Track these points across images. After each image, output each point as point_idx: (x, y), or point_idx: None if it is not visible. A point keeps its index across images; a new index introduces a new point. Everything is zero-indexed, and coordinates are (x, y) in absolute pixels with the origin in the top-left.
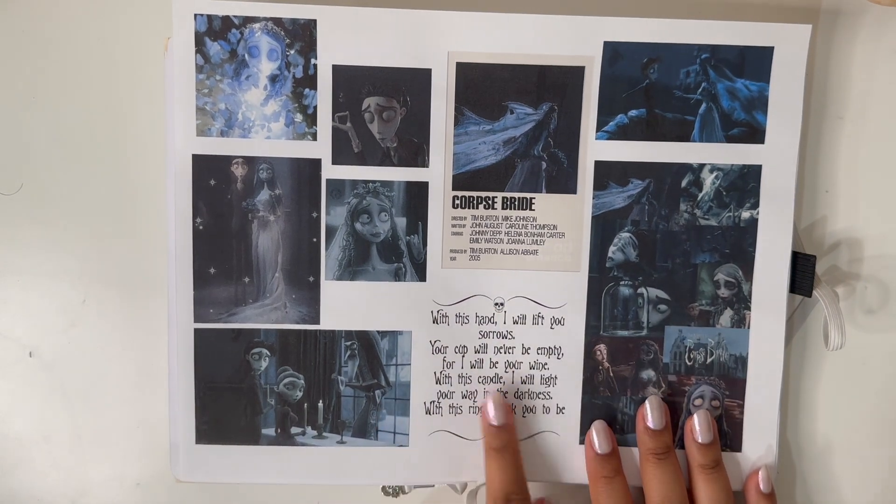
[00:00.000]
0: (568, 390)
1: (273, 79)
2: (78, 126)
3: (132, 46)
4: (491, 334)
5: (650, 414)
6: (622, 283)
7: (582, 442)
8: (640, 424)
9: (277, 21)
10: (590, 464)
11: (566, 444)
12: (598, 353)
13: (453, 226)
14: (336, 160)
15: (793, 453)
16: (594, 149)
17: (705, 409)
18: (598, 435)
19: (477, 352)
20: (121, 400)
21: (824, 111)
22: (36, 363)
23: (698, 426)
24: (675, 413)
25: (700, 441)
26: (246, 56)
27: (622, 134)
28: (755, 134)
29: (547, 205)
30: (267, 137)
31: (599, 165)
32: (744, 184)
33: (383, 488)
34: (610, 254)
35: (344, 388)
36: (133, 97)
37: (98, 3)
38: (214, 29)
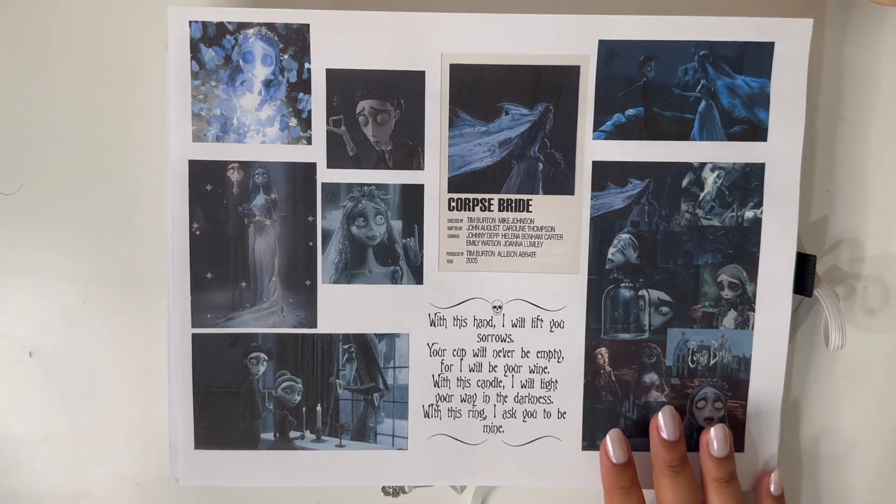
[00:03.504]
0: (569, 394)
1: (267, 84)
2: (78, 126)
3: (132, 47)
4: (489, 337)
5: (664, 426)
6: (622, 285)
7: (584, 447)
8: (654, 437)
9: (271, 26)
10: (606, 474)
11: (568, 449)
12: (599, 356)
13: (449, 228)
14: (331, 164)
15: (793, 454)
16: (591, 149)
17: (722, 424)
18: (613, 444)
19: (475, 355)
20: (121, 400)
21: (824, 111)
22: (36, 363)
23: (715, 439)
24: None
25: (716, 455)
26: (240, 61)
27: (620, 133)
28: (757, 131)
29: (544, 206)
30: (262, 142)
31: (597, 166)
32: (746, 183)
33: (383, 488)
34: (609, 255)
35: (342, 392)
36: (133, 97)
37: (98, 3)
38: (209, 35)
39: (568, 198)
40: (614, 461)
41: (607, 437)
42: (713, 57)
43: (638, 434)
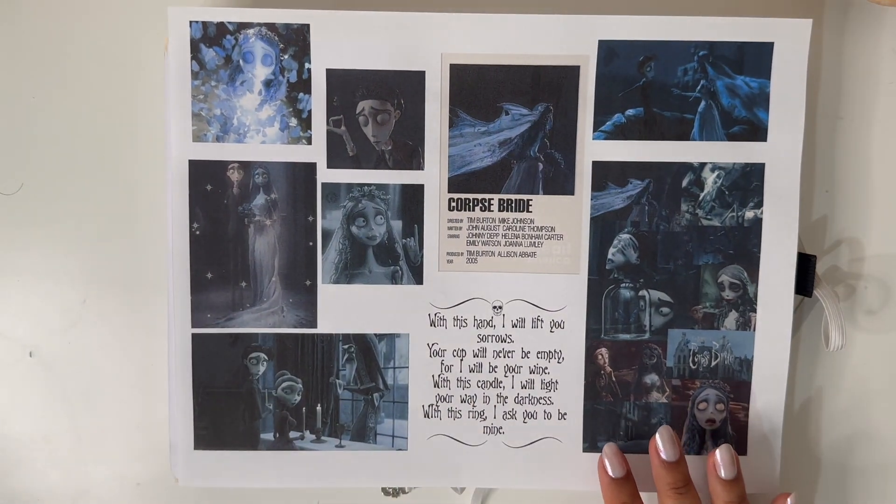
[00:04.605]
0: (569, 395)
1: (267, 84)
2: (78, 126)
3: (132, 47)
4: (490, 338)
5: (663, 448)
6: (623, 285)
7: (585, 449)
8: (654, 458)
9: (271, 26)
10: (605, 489)
11: (569, 450)
12: (600, 357)
13: (449, 228)
14: (331, 164)
15: (795, 455)
16: (591, 149)
17: (727, 445)
18: (610, 460)
19: (476, 356)
20: (121, 400)
21: (824, 111)
22: (36, 363)
23: (722, 463)
24: (680, 418)
25: (724, 477)
26: (240, 61)
27: (620, 134)
28: (757, 132)
29: (544, 206)
30: (262, 142)
31: (597, 166)
32: (746, 183)
33: (383, 488)
34: (610, 255)
35: (342, 392)
36: (133, 97)
37: (98, 3)
38: (209, 35)
39: (568, 198)
40: (612, 476)
41: (603, 453)
42: (713, 57)
43: (638, 436)
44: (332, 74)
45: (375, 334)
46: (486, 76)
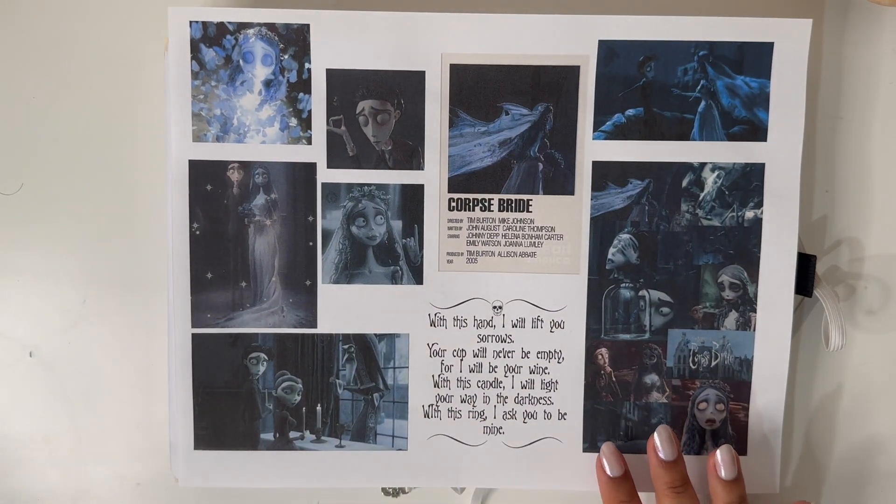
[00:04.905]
0: (569, 395)
1: (267, 84)
2: (78, 126)
3: (133, 47)
4: (490, 338)
5: (661, 447)
6: (623, 285)
7: (585, 449)
8: (652, 458)
9: (271, 26)
10: (603, 488)
11: (569, 450)
12: (600, 357)
13: (449, 228)
14: (331, 164)
15: (795, 455)
16: (591, 149)
17: (728, 445)
18: (608, 459)
19: (476, 356)
20: (121, 400)
21: (824, 111)
22: (36, 363)
23: (722, 463)
24: (680, 418)
25: (725, 478)
26: (240, 61)
27: (620, 134)
28: (757, 132)
29: (544, 206)
30: (262, 142)
31: (597, 166)
32: (747, 183)
33: (383, 488)
34: (610, 255)
35: (342, 392)
36: (133, 97)
37: (98, 3)
38: (209, 35)
39: (568, 198)
40: (610, 475)
41: (601, 452)
42: (713, 57)
43: (638, 436)
44: (332, 74)
45: (375, 334)
46: (486, 76)
